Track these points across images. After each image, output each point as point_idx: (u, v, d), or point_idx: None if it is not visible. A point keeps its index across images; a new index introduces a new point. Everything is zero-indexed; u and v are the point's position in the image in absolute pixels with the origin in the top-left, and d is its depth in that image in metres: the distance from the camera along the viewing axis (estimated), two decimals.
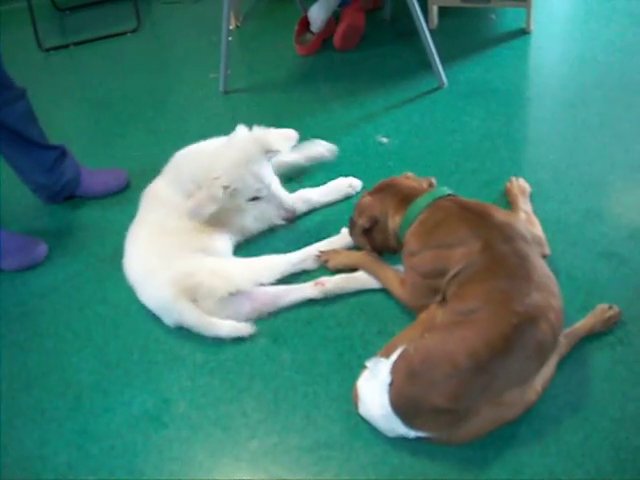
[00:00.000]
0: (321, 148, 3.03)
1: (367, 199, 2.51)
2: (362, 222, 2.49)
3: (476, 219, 2.21)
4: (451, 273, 2.16)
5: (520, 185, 2.80)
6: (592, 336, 2.26)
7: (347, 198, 2.94)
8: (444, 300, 2.18)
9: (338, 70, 4.02)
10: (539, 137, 3.27)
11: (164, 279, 2.52)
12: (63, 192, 3.35)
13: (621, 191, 2.85)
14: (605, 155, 3.01)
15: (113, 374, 2.48)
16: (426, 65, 3.68)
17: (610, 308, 2.29)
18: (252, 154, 2.68)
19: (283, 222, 2.76)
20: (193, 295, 2.49)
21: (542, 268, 2.11)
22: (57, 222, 3.29)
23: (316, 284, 2.56)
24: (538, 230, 2.50)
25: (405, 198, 2.41)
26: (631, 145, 3.04)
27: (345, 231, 2.69)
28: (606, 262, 2.51)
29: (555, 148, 3.11)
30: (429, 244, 2.27)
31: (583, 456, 1.98)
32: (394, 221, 2.42)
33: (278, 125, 3.49)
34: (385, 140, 3.32)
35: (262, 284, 2.56)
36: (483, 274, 2.08)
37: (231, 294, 2.49)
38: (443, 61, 3.64)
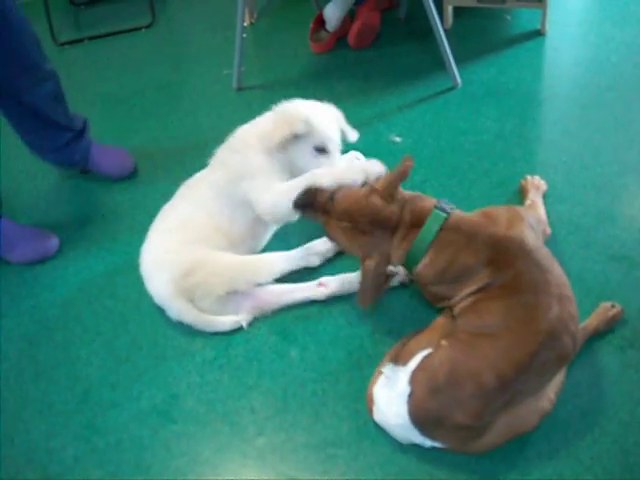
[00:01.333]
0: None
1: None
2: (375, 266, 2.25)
3: (483, 246, 2.08)
4: (463, 294, 2.11)
5: (535, 182, 2.80)
6: (602, 339, 2.25)
7: None
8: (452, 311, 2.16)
9: (352, 69, 4.01)
10: (552, 138, 3.25)
11: (166, 276, 2.53)
12: (69, 168, 3.49)
13: (634, 194, 2.83)
14: (618, 157, 2.99)
15: (122, 368, 2.49)
16: (440, 65, 3.67)
17: (613, 307, 2.29)
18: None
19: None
20: (191, 295, 2.50)
21: (559, 274, 2.07)
22: (67, 216, 3.29)
23: (319, 285, 2.55)
24: (540, 211, 2.53)
25: (412, 226, 2.20)
26: None
27: None
28: (617, 265, 2.50)
29: (568, 150, 3.09)
30: (442, 280, 2.17)
31: (592, 459, 1.97)
32: (398, 253, 2.22)
33: None
34: (398, 139, 3.32)
35: (261, 283, 2.54)
36: (501, 291, 2.03)
37: (229, 294, 2.50)
38: (457, 61, 3.63)
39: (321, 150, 2.61)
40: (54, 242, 3.07)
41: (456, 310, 2.14)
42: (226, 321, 2.52)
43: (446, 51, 3.57)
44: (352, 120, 3.40)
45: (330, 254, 2.67)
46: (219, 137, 3.36)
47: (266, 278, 2.55)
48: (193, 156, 3.46)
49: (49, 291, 2.88)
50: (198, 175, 2.85)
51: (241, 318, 2.52)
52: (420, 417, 1.95)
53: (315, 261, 2.66)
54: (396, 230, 2.19)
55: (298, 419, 2.21)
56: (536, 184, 2.79)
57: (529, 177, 2.84)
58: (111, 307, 2.73)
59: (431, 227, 2.14)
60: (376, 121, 3.50)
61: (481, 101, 3.50)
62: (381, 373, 2.10)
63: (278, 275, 2.58)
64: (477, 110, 3.44)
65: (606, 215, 2.71)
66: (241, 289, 2.51)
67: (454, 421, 1.90)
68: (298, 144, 2.60)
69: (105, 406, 2.37)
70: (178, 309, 2.52)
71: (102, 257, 2.99)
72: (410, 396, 1.96)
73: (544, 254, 2.09)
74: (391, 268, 2.46)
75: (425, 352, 2.03)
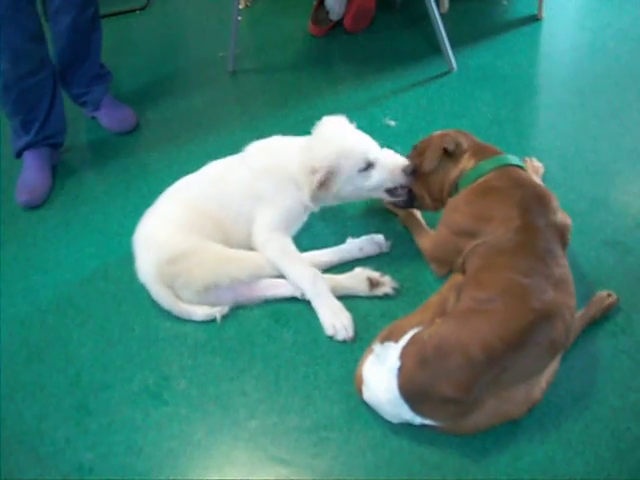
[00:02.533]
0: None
1: (448, 134, 2.47)
2: (447, 144, 2.40)
3: (531, 199, 2.21)
4: (480, 239, 2.18)
5: (534, 165, 2.80)
6: (595, 325, 2.25)
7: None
8: (461, 270, 2.22)
9: (347, 52, 3.99)
10: (547, 124, 3.25)
11: (151, 258, 2.53)
12: (82, 105, 3.69)
13: (628, 180, 2.83)
14: (613, 143, 2.99)
15: (114, 350, 2.48)
16: (436, 49, 3.66)
17: (609, 296, 2.30)
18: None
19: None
20: (171, 282, 2.50)
21: (564, 267, 2.10)
22: (61, 196, 3.28)
23: None
24: (567, 218, 2.46)
25: (481, 150, 2.41)
26: (639, 134, 3.02)
27: (350, 241, 2.64)
28: (611, 251, 2.51)
29: (563, 135, 3.09)
30: (475, 206, 2.27)
31: (583, 444, 1.98)
32: (465, 165, 2.38)
33: (285, 105, 3.50)
34: (393, 123, 3.31)
35: (242, 281, 2.51)
36: (507, 260, 2.08)
37: (208, 288, 2.48)
38: (453, 46, 3.62)
39: (366, 167, 2.54)
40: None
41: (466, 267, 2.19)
42: (200, 312, 2.51)
43: (442, 35, 3.56)
44: (346, 104, 3.41)
45: (322, 268, 2.59)
46: (213, 120, 3.37)
47: (250, 278, 2.52)
48: (187, 139, 3.47)
49: (41, 273, 2.87)
50: (229, 160, 2.78)
51: (216, 310, 2.50)
52: (409, 390, 1.95)
53: None
54: (460, 158, 2.41)
55: (290, 402, 2.21)
56: (535, 167, 2.79)
57: (527, 159, 2.84)
58: (103, 289, 2.72)
59: (492, 162, 2.33)
60: (371, 105, 3.48)
61: (476, 86, 3.50)
62: (372, 352, 2.10)
63: (263, 277, 2.55)
64: (472, 95, 3.44)
65: (600, 201, 2.71)
66: (224, 285, 2.49)
67: (442, 393, 1.90)
68: (340, 178, 2.53)
69: (97, 388, 2.37)
70: (156, 292, 2.53)
71: (95, 239, 2.98)
72: (400, 369, 1.96)
73: (562, 248, 2.16)
74: (379, 277, 2.49)
75: (417, 330, 2.04)
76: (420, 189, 2.53)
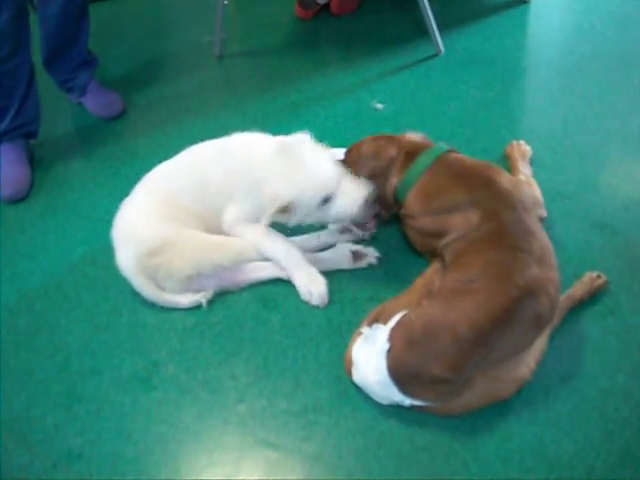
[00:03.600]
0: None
1: (368, 149, 2.44)
2: (365, 172, 2.41)
3: (478, 185, 2.20)
4: (450, 237, 2.17)
5: (521, 149, 2.79)
6: (583, 306, 2.25)
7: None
8: (443, 262, 2.19)
9: (334, 35, 3.98)
10: (535, 106, 3.24)
11: (130, 252, 2.51)
12: (67, 91, 3.68)
13: (616, 162, 2.83)
14: (601, 125, 2.99)
15: (102, 336, 2.47)
16: (423, 32, 3.65)
17: (598, 277, 2.30)
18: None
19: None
20: (153, 274, 2.49)
21: (543, 240, 2.09)
22: (47, 183, 3.27)
23: None
24: (536, 192, 2.49)
25: (408, 155, 2.37)
26: (628, 116, 3.02)
27: (332, 227, 2.63)
28: (599, 233, 2.50)
29: (551, 117, 3.09)
30: (429, 209, 2.26)
31: (572, 425, 1.98)
32: (393, 181, 2.37)
33: (272, 89, 3.49)
34: (380, 106, 3.30)
35: (225, 267, 2.50)
36: (483, 245, 2.07)
37: (191, 277, 2.47)
38: (440, 29, 3.61)
39: (327, 200, 2.44)
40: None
41: (446, 260, 2.17)
42: (185, 300, 2.50)
43: (429, 18, 3.55)
44: (334, 87, 3.40)
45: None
46: (200, 105, 3.35)
47: (232, 263, 2.51)
48: (174, 123, 3.46)
49: (29, 260, 2.85)
50: (206, 148, 2.72)
51: (201, 296, 2.49)
52: (398, 371, 1.95)
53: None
54: (394, 162, 2.38)
55: (279, 385, 2.21)
56: (522, 150, 2.78)
57: (515, 143, 2.83)
58: (91, 275, 2.72)
59: (424, 159, 2.31)
60: (358, 88, 3.47)
61: (464, 68, 3.49)
62: (360, 334, 2.11)
63: (245, 261, 2.54)
64: (460, 77, 3.43)
65: (588, 183, 2.71)
66: (206, 272, 2.48)
67: (431, 374, 1.91)
68: (299, 210, 2.45)
69: (85, 374, 2.36)
70: (139, 285, 2.52)
71: (82, 225, 2.97)
72: (389, 351, 1.96)
73: (532, 219, 2.13)
74: (362, 250, 2.49)
75: (405, 312, 2.04)
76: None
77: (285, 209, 2.42)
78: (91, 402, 2.27)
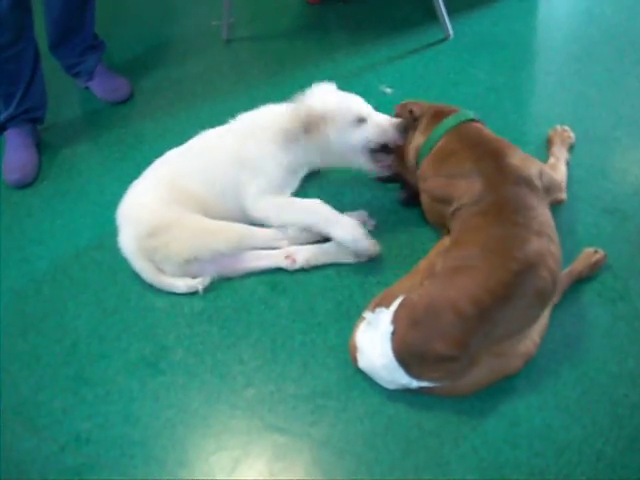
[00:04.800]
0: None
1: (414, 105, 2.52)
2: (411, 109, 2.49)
3: (486, 156, 2.22)
4: (455, 205, 2.20)
5: (563, 134, 2.77)
6: (593, 291, 2.26)
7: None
8: (448, 232, 2.24)
9: (343, 20, 3.95)
10: (545, 91, 3.23)
11: (131, 232, 2.52)
12: (75, 75, 3.65)
13: (626, 147, 2.81)
14: (611, 111, 2.97)
15: (110, 320, 2.48)
16: (432, 16, 3.62)
17: (596, 252, 2.30)
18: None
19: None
20: (152, 256, 2.49)
21: (542, 215, 2.10)
22: (55, 167, 3.26)
23: (287, 257, 2.50)
24: (558, 175, 2.47)
25: (434, 117, 2.44)
26: (638, 101, 3.00)
27: None
28: (609, 218, 2.49)
29: (561, 102, 3.07)
30: (439, 172, 2.31)
31: (581, 411, 1.98)
32: (417, 141, 2.44)
33: (280, 73, 3.47)
34: (389, 90, 3.28)
35: (224, 254, 2.50)
36: (481, 220, 2.10)
37: (188, 261, 2.47)
38: (449, 12, 3.58)
39: (359, 121, 2.54)
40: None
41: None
42: (181, 285, 2.50)
43: (438, 2, 3.52)
44: (342, 71, 3.39)
45: (299, 241, 2.56)
46: (207, 89, 3.33)
47: (231, 250, 2.50)
48: (181, 108, 3.46)
49: (36, 244, 2.85)
50: (215, 131, 2.75)
51: (198, 282, 2.49)
52: (403, 352, 1.95)
53: (283, 245, 2.57)
54: (418, 123, 2.47)
55: (287, 370, 2.21)
56: (564, 136, 2.76)
57: (559, 127, 2.81)
58: (99, 259, 2.71)
59: (449, 121, 2.37)
60: (367, 72, 3.46)
61: (473, 53, 3.47)
62: (364, 320, 2.11)
63: (244, 249, 2.53)
64: (469, 62, 3.41)
65: (598, 168, 2.70)
66: (204, 257, 2.47)
67: (436, 352, 1.91)
68: (330, 127, 2.53)
69: (93, 358, 2.37)
70: (138, 266, 2.53)
71: (89, 209, 2.97)
72: (393, 333, 1.97)
73: (534, 196, 2.14)
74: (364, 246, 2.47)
75: (406, 295, 2.04)
76: (398, 164, 2.57)
77: (314, 124, 2.49)
78: (99, 386, 2.28)
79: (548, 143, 2.75)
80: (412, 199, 2.58)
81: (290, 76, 3.51)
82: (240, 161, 2.57)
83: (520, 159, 2.23)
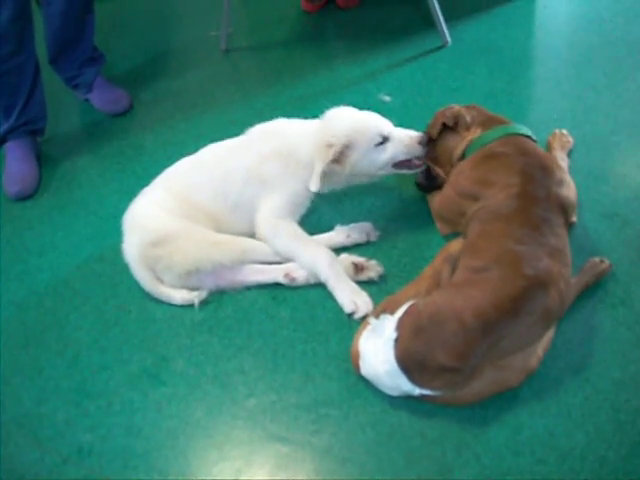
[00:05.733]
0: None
1: (454, 106, 2.52)
2: (445, 119, 2.47)
3: (532, 168, 2.21)
4: (480, 204, 2.20)
5: (562, 139, 2.78)
6: (594, 297, 2.25)
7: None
8: (465, 233, 2.24)
9: (340, 28, 3.97)
10: (543, 96, 3.23)
11: (135, 239, 2.52)
12: (74, 88, 3.67)
13: (625, 152, 2.81)
14: (610, 115, 2.97)
15: (111, 332, 2.48)
16: (429, 23, 3.63)
17: (602, 262, 2.30)
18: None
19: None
20: (153, 265, 2.50)
21: (562, 237, 2.10)
22: (55, 180, 3.27)
23: (285, 276, 2.49)
24: (572, 195, 2.36)
25: (489, 120, 2.45)
26: (636, 105, 3.01)
27: (338, 229, 2.61)
28: (609, 223, 2.49)
29: (559, 108, 3.07)
30: (479, 170, 2.30)
31: (583, 417, 1.98)
32: (472, 135, 2.43)
33: (279, 83, 3.47)
34: (387, 98, 3.29)
35: (225, 266, 2.49)
36: (502, 227, 2.09)
37: (189, 273, 2.47)
38: (447, 19, 3.59)
39: (382, 141, 2.52)
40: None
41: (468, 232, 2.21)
42: (178, 297, 2.50)
43: (435, 9, 3.54)
44: (341, 80, 3.39)
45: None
46: (207, 99, 3.33)
47: (233, 263, 2.50)
48: (181, 119, 3.46)
49: (37, 256, 2.86)
50: (228, 144, 2.73)
51: (194, 296, 2.49)
52: (406, 359, 1.94)
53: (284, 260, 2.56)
54: (464, 131, 2.47)
55: (288, 379, 2.21)
56: (563, 141, 2.77)
57: (557, 132, 2.82)
58: (99, 271, 2.72)
59: (507, 128, 2.38)
60: (365, 80, 3.46)
61: (471, 59, 3.47)
62: (367, 326, 2.11)
63: (246, 262, 2.52)
64: (467, 68, 3.42)
65: (598, 173, 2.70)
66: (206, 270, 2.47)
67: (437, 362, 1.90)
68: (356, 153, 2.50)
69: (95, 370, 2.37)
70: (138, 273, 2.53)
71: (90, 221, 2.97)
72: (396, 340, 1.96)
73: (561, 221, 2.15)
74: (364, 262, 2.47)
75: (412, 302, 2.04)
76: (432, 164, 2.58)
77: (340, 156, 2.46)
78: (101, 398, 2.27)
79: (547, 148, 2.74)
80: (429, 187, 2.62)
81: (289, 85, 3.51)
82: (260, 180, 2.56)
83: (567, 184, 2.25)
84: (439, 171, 2.57)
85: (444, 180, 2.55)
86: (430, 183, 2.63)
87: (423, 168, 2.60)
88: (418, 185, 2.67)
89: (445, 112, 2.50)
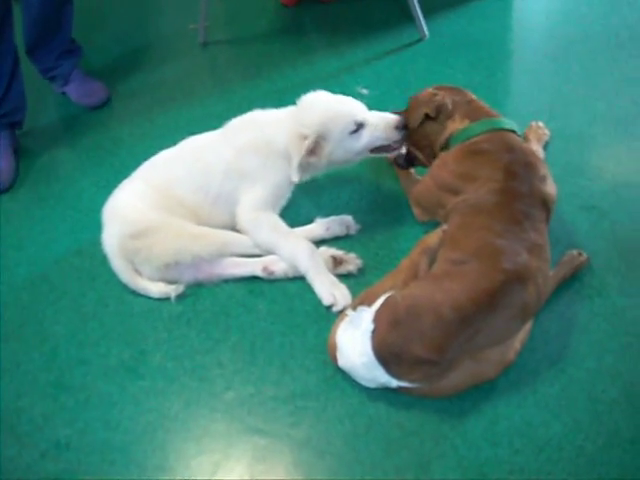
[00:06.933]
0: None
1: (437, 93, 2.47)
2: (428, 110, 2.42)
3: (516, 165, 2.20)
4: (460, 198, 2.19)
5: (538, 131, 2.80)
6: (570, 288, 2.27)
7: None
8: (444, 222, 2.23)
9: (319, 21, 3.96)
10: (521, 89, 3.25)
11: (115, 230, 2.52)
12: (51, 80, 3.63)
13: (602, 144, 2.84)
14: (587, 108, 2.99)
15: (89, 326, 2.46)
16: (408, 17, 3.64)
17: (579, 255, 2.32)
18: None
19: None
20: (132, 257, 2.49)
21: (542, 233, 2.10)
22: (33, 173, 3.24)
23: (264, 269, 2.49)
24: (554, 190, 2.32)
25: (476, 111, 2.40)
26: (613, 99, 3.03)
27: (318, 221, 2.60)
28: (586, 215, 2.51)
29: (537, 101, 3.09)
30: (462, 165, 2.27)
31: (560, 407, 2.00)
32: (457, 125, 2.39)
33: (257, 76, 3.46)
34: (365, 91, 3.29)
35: (204, 259, 2.49)
36: (482, 220, 2.09)
37: (168, 265, 2.47)
38: (425, 13, 3.60)
39: (357, 128, 2.49)
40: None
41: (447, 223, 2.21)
42: (155, 290, 2.50)
43: (413, 3, 3.54)
44: (319, 73, 3.39)
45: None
46: (185, 93, 3.32)
47: (212, 256, 2.50)
48: (159, 112, 3.45)
49: (15, 250, 2.83)
50: (207, 138, 2.72)
51: (171, 289, 2.48)
52: (383, 351, 1.94)
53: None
54: (447, 120, 2.41)
55: (266, 372, 2.21)
56: (540, 134, 2.79)
57: (534, 124, 2.83)
58: (77, 265, 2.70)
59: (496, 121, 2.35)
60: (343, 73, 3.47)
61: (449, 53, 3.49)
62: (344, 318, 2.11)
63: (225, 255, 2.52)
64: (445, 62, 3.43)
65: (575, 165, 2.72)
66: (185, 262, 2.47)
67: (414, 354, 1.91)
68: (330, 143, 2.48)
69: (73, 364, 2.35)
70: (116, 265, 2.53)
71: (68, 215, 2.95)
72: (373, 332, 1.97)
73: (543, 218, 2.15)
74: (343, 255, 2.47)
75: (390, 294, 2.04)
76: (412, 147, 2.56)
77: (315, 147, 2.45)
78: (79, 392, 2.26)
79: (523, 140, 2.75)
80: (408, 166, 2.64)
81: (267, 79, 3.51)
82: (240, 173, 2.56)
83: (550, 184, 2.24)
84: (417, 154, 2.56)
85: (422, 162, 2.55)
86: (408, 165, 2.64)
87: (402, 151, 2.59)
88: (396, 165, 2.67)
89: (427, 101, 2.45)
